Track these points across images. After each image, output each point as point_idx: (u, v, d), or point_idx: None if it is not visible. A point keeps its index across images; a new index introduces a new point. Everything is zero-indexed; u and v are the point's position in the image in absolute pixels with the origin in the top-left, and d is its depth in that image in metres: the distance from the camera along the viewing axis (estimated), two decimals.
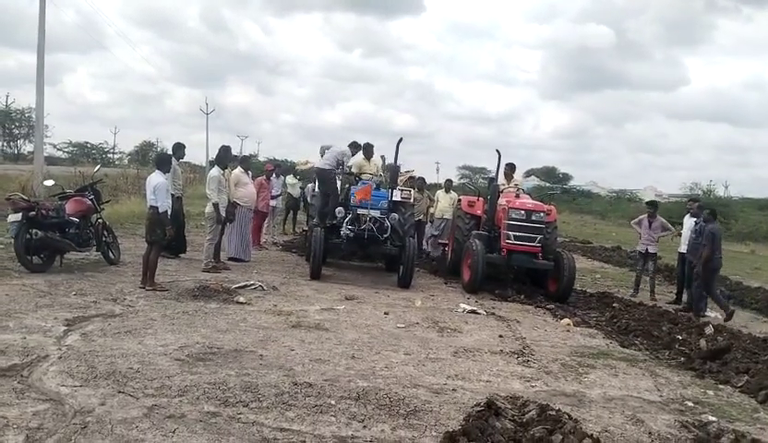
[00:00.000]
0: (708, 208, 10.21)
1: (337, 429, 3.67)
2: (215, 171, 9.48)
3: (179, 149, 10.07)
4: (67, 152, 56.82)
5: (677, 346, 6.84)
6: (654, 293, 10.64)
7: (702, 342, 6.81)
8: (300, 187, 16.42)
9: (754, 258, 22.65)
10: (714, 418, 4.49)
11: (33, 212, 7.46)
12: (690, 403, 4.90)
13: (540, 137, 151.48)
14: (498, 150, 10.93)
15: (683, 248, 10.18)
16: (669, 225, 10.92)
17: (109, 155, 61.66)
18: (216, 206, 9.18)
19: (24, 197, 7.74)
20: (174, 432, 3.43)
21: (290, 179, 16.46)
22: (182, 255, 10.08)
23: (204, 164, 46.59)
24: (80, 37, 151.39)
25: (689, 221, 10.22)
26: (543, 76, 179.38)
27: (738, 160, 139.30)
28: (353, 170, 10.90)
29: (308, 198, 15.97)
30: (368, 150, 11.13)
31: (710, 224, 9.32)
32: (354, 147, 10.86)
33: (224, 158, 9.82)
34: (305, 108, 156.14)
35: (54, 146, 55.29)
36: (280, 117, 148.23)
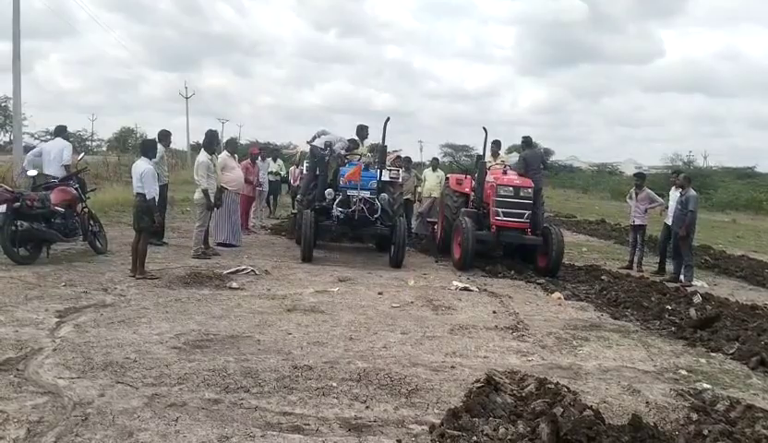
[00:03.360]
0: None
1: (340, 411, 3.69)
2: (203, 156, 9.31)
3: (166, 136, 9.91)
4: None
5: (666, 316, 6.94)
6: (640, 264, 10.77)
7: (692, 311, 6.92)
8: (278, 173, 16.30)
9: (736, 227, 23.03)
10: (708, 386, 4.58)
11: (18, 203, 7.31)
12: (684, 372, 4.99)
13: (519, 112, 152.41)
14: (484, 128, 10.85)
15: (669, 220, 10.30)
16: (657, 197, 10.97)
17: (88, 143, 60.47)
18: (206, 192, 9.06)
19: (8, 188, 7.56)
20: (176, 421, 3.40)
21: (273, 166, 16.30)
22: (165, 241, 9.96)
23: (185, 149, 45.91)
24: (51, 22, 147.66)
25: (674, 194, 10.30)
26: (519, 52, 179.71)
27: (714, 130, 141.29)
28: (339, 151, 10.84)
29: (293, 181, 15.86)
30: (361, 133, 11.28)
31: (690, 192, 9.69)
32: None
33: (212, 143, 9.66)
34: (283, 89, 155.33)
35: (33, 135, 53.99)
36: (259, 99, 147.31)
